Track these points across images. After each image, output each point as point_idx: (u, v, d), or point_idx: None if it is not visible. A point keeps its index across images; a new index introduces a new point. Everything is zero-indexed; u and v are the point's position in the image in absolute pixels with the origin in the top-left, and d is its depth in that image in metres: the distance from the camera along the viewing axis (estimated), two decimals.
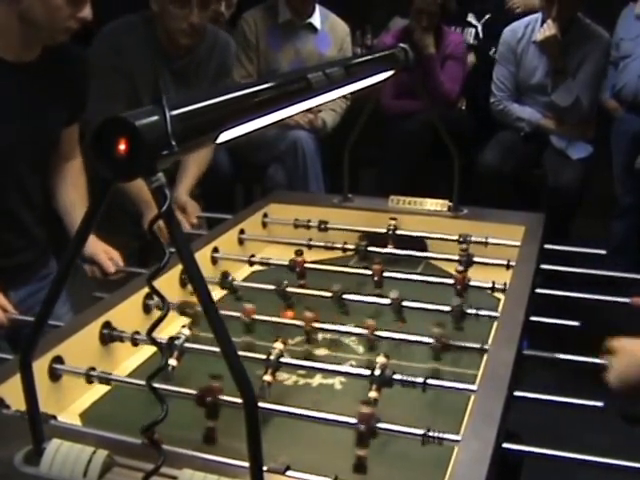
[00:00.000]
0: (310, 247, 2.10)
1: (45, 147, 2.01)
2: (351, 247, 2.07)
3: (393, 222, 2.18)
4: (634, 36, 3.91)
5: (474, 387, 1.31)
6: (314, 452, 1.27)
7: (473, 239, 2.05)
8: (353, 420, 1.19)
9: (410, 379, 1.32)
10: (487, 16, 4.27)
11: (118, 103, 2.51)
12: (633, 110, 3.90)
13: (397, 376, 1.32)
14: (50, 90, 1.93)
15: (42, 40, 1.87)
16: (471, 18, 4.32)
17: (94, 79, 2.51)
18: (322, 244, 2.09)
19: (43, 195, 2.08)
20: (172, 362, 1.45)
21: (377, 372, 1.33)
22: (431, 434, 1.17)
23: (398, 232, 2.16)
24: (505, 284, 1.77)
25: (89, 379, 1.41)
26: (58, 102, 1.96)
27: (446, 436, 1.17)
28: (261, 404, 1.16)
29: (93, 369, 1.41)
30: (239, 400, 1.15)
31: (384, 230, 2.17)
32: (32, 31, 1.83)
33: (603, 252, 2.06)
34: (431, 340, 1.51)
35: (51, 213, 2.12)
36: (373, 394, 1.31)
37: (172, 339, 1.47)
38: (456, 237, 2.07)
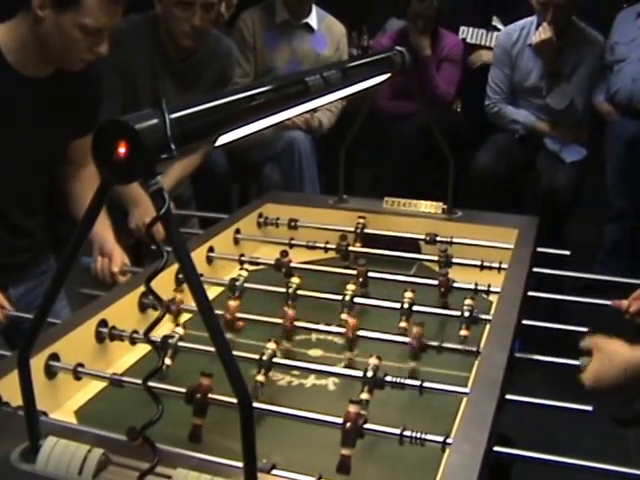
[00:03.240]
0: (303, 247, 2.12)
1: (52, 159, 2.03)
2: (344, 248, 2.10)
3: (362, 221, 2.22)
4: (629, 40, 3.93)
5: (466, 390, 1.32)
6: (308, 453, 1.28)
7: (467, 242, 2.07)
8: (339, 420, 1.20)
9: (404, 381, 1.33)
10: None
11: (116, 102, 2.52)
12: (627, 114, 3.92)
13: (389, 378, 1.33)
14: (63, 105, 1.95)
15: (56, 64, 1.88)
16: (496, 22, 4.31)
17: None
18: (320, 245, 2.11)
19: (44, 200, 2.09)
20: (166, 361, 1.46)
21: (369, 374, 1.34)
22: (417, 435, 1.18)
23: (382, 232, 2.20)
24: (489, 286, 1.79)
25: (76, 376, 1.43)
26: (71, 117, 1.97)
27: (435, 438, 1.18)
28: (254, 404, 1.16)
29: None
30: (228, 399, 1.18)
31: (376, 231, 2.20)
32: (48, 54, 1.84)
33: (567, 253, 2.08)
34: (408, 340, 1.52)
35: (52, 213, 2.13)
36: (365, 395, 1.32)
37: (166, 338, 1.49)
38: (448, 239, 2.09)
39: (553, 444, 1.44)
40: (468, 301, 1.67)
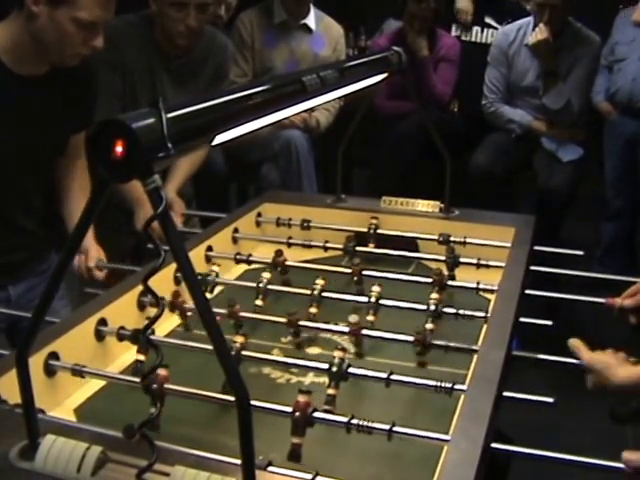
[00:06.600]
0: (301, 246, 2.13)
1: (50, 157, 2.03)
2: (341, 247, 2.11)
3: (374, 221, 2.23)
4: (629, 40, 3.94)
5: (464, 387, 1.33)
6: (305, 450, 1.28)
7: (464, 240, 2.08)
8: (289, 409, 1.21)
9: (403, 379, 1.34)
10: (509, 20, 4.28)
11: (116, 100, 2.53)
12: (627, 113, 3.93)
13: (393, 376, 1.34)
14: (60, 102, 1.95)
15: (52, 60, 1.89)
16: (489, 20, 4.33)
17: None
18: (318, 244, 2.12)
19: (45, 199, 2.10)
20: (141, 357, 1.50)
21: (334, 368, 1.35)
22: (363, 424, 1.18)
23: (379, 231, 2.21)
24: (478, 283, 1.79)
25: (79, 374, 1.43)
26: (68, 113, 1.98)
27: (381, 426, 1.18)
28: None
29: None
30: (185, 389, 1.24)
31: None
32: (43, 51, 1.85)
33: (580, 253, 2.08)
34: (411, 338, 1.52)
35: (53, 211, 2.13)
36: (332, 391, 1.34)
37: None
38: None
39: (551, 442, 1.44)
40: (434, 295, 1.69)
